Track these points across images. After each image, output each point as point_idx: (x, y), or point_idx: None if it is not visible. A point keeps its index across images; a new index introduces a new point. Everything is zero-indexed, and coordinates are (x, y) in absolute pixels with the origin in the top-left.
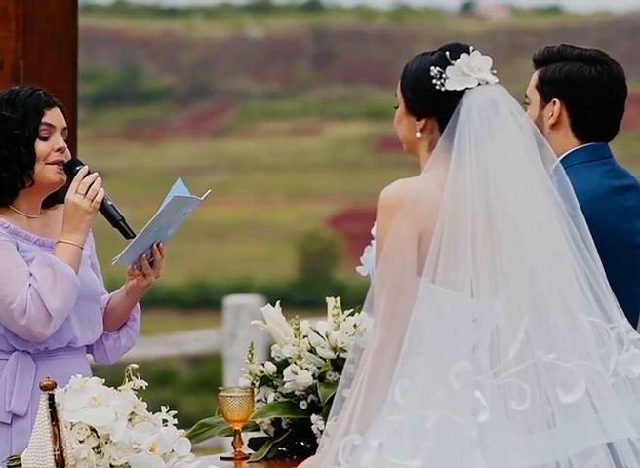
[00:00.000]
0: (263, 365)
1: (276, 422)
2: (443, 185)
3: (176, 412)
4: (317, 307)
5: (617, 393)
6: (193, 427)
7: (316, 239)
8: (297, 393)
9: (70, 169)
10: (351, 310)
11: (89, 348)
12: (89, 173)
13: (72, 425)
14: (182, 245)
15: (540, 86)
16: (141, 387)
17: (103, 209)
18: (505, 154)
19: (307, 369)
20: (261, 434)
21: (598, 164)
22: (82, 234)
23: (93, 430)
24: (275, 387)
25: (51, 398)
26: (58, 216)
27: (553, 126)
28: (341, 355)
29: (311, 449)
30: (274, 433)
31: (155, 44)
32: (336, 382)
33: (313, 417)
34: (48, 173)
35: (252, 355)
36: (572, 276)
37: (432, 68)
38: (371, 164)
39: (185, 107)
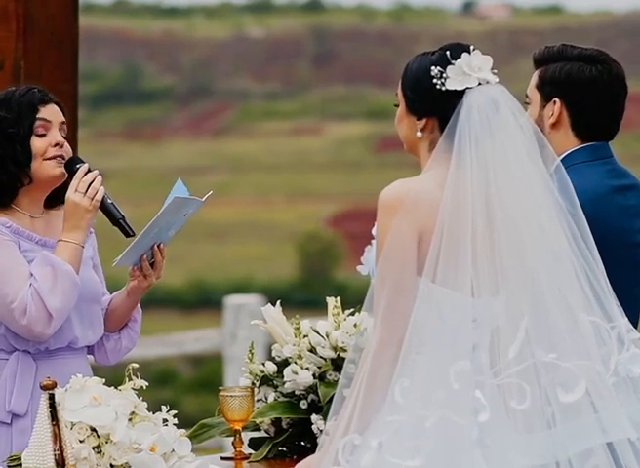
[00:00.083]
0: (264, 364)
1: (276, 422)
2: (443, 185)
3: (176, 412)
4: (317, 307)
5: (617, 393)
6: (194, 428)
7: (316, 239)
8: (297, 393)
9: (71, 167)
10: (352, 310)
11: (90, 349)
12: (89, 170)
13: (72, 425)
14: (182, 245)
15: (541, 86)
16: (142, 387)
17: (104, 207)
18: (506, 154)
19: (308, 368)
20: (262, 434)
21: (599, 163)
22: (82, 232)
23: (93, 430)
24: (275, 387)
25: (51, 397)
26: (60, 217)
27: (553, 125)
28: (342, 355)
29: (311, 449)
30: (274, 433)
31: (155, 44)
32: (336, 382)
33: (313, 417)
34: (46, 168)
35: (252, 355)
36: (572, 275)
37: (433, 68)
38: (371, 164)
39: (185, 107)
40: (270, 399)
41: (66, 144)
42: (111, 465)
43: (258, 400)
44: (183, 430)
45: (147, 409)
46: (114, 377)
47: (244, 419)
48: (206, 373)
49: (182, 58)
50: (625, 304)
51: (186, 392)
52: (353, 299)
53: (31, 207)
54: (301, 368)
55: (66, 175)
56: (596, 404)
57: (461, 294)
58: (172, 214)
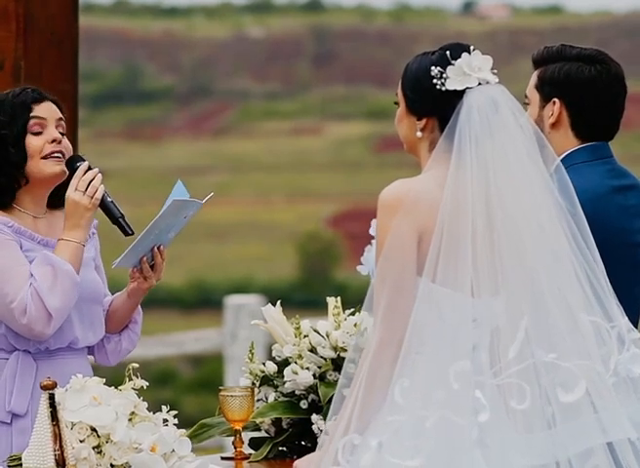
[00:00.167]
0: (264, 364)
1: (277, 422)
2: (443, 185)
3: (176, 412)
4: (317, 307)
5: (617, 393)
6: (194, 427)
7: (316, 239)
8: (297, 392)
9: (72, 165)
10: (352, 310)
11: (90, 349)
12: (90, 169)
13: (73, 425)
14: (182, 245)
15: (540, 86)
16: (142, 387)
17: (103, 205)
18: (506, 154)
19: (308, 368)
20: (262, 434)
21: (599, 163)
22: (83, 231)
23: (93, 430)
24: (276, 387)
25: (51, 397)
26: (63, 217)
27: (553, 126)
28: (342, 354)
29: (312, 449)
30: (275, 433)
31: (156, 44)
32: (336, 382)
33: (314, 417)
34: (45, 166)
35: (252, 355)
36: (572, 275)
37: (433, 68)
38: (371, 164)
39: (185, 107)
40: (270, 399)
41: (65, 140)
42: (111, 465)
43: (258, 400)
44: (183, 430)
45: (147, 409)
46: (114, 377)
47: (244, 419)
48: (206, 373)
49: (182, 58)
50: (625, 304)
51: (186, 392)
52: (353, 299)
53: (33, 206)
54: (302, 368)
55: (67, 173)
56: (596, 404)
57: (461, 294)
58: (171, 216)
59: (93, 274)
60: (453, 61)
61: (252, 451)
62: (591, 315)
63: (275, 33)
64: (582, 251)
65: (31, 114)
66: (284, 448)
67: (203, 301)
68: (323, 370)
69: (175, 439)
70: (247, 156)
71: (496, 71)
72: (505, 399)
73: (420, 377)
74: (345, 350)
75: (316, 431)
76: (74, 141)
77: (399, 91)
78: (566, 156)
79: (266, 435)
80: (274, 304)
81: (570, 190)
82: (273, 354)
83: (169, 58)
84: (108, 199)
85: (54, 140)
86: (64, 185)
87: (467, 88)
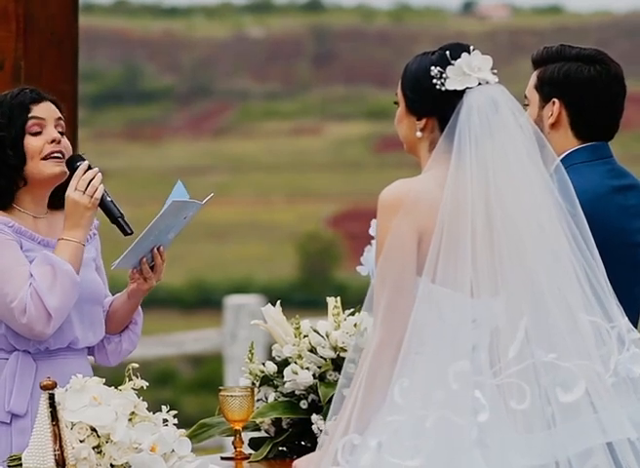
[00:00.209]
0: (264, 364)
1: (277, 422)
2: (443, 185)
3: (176, 412)
4: (317, 307)
5: (617, 393)
6: (193, 427)
7: (316, 239)
8: (297, 393)
9: (72, 165)
10: (352, 310)
11: (90, 350)
12: (90, 168)
13: (73, 425)
14: (182, 245)
15: (540, 86)
16: (142, 387)
17: (103, 205)
18: (506, 154)
19: (308, 368)
20: (262, 434)
21: (599, 163)
22: (83, 231)
23: (93, 430)
24: (276, 387)
25: (51, 397)
26: (64, 218)
27: (553, 126)
28: (342, 355)
29: (312, 449)
30: (275, 433)
31: (155, 44)
32: (336, 382)
33: (314, 417)
34: (45, 167)
35: (252, 355)
36: (572, 275)
37: (433, 68)
38: (371, 164)
39: (185, 107)
40: (270, 399)
41: (64, 140)
42: (111, 465)
43: (258, 400)
44: (183, 430)
45: (147, 409)
46: (114, 377)
47: (244, 419)
48: (206, 373)
49: (182, 58)
50: (625, 304)
51: (186, 392)
52: (353, 299)
53: (34, 206)
54: (301, 368)
55: (67, 174)
56: (596, 404)
57: (461, 295)
58: (170, 217)
59: (93, 275)
60: (452, 61)
61: (252, 451)
62: (591, 315)
63: (275, 33)
64: (582, 251)
65: (30, 115)
66: (284, 448)
67: (203, 301)
68: (323, 370)
69: (175, 439)
70: (247, 156)
71: (496, 71)
72: (505, 399)
73: (419, 377)
74: (345, 350)
75: (316, 431)
76: (74, 142)
77: (399, 91)
78: (566, 156)
79: (266, 435)
80: (274, 304)
81: (570, 190)
82: (273, 354)
83: (169, 58)
84: (108, 198)
85: (53, 140)
86: (65, 186)
87: (467, 88)
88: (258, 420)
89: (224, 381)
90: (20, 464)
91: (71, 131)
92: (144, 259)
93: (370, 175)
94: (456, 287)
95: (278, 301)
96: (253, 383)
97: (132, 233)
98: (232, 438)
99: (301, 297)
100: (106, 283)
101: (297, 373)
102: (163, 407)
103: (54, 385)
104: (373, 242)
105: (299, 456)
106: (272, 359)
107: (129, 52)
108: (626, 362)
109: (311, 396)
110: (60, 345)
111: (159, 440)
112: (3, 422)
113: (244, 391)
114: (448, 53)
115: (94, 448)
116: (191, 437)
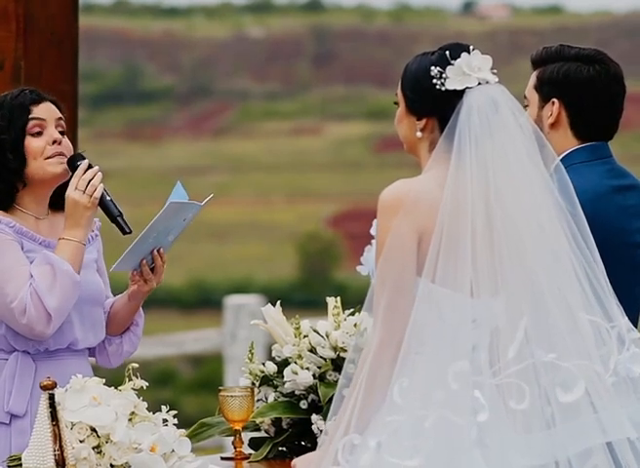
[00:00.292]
0: (264, 364)
1: (276, 422)
2: (443, 185)
3: (176, 412)
4: (317, 307)
5: (617, 392)
6: (193, 426)
7: (316, 239)
8: (297, 393)
9: (73, 164)
10: (352, 310)
11: (91, 351)
12: (90, 167)
13: (73, 425)
14: (182, 245)
15: (539, 86)
16: (142, 387)
17: (102, 204)
18: (505, 154)
19: (308, 368)
20: (262, 434)
21: (598, 163)
22: (83, 230)
23: (93, 430)
24: (275, 387)
25: (51, 398)
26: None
27: (552, 126)
28: (342, 355)
29: (312, 449)
30: (274, 433)
31: (155, 44)
32: (336, 382)
33: (314, 417)
34: (49, 167)
35: (252, 355)
36: (572, 275)
37: (432, 68)
38: (371, 164)
39: (185, 107)
40: (270, 399)
41: (65, 140)
42: (111, 465)
43: (258, 400)
44: (183, 430)
45: (147, 409)
46: (114, 377)
47: (244, 419)
48: (206, 373)
49: (182, 58)
50: (625, 304)
51: (186, 392)
52: (353, 299)
53: (35, 207)
54: (301, 368)
55: (70, 173)
56: (595, 404)
57: (461, 295)
58: (169, 218)
59: (94, 276)
60: (452, 61)
61: (252, 451)
62: (591, 315)
63: (275, 33)
64: (582, 251)
65: (30, 116)
66: (284, 449)
67: (203, 301)
68: (323, 370)
69: (174, 439)
70: (247, 156)
71: (495, 71)
72: (505, 399)
73: (419, 377)
74: (345, 350)
75: (316, 431)
76: (74, 142)
77: (399, 91)
78: (565, 156)
79: (266, 435)
80: (274, 304)
81: (570, 190)
82: (273, 354)
83: (169, 58)
84: (107, 197)
85: (54, 141)
86: (66, 187)
87: (467, 88)
88: (258, 420)
89: (224, 381)
90: (20, 464)
91: (71, 131)
92: (144, 261)
93: (370, 174)
94: (456, 287)
95: (278, 301)
96: (253, 383)
97: (130, 232)
98: (232, 438)
99: (301, 297)
100: (108, 284)
101: (297, 373)
102: (163, 407)
103: (54, 385)
104: (373, 242)
105: (298, 456)
106: (272, 359)
107: (129, 52)
108: (626, 362)
109: (311, 396)
110: (60, 346)
111: (159, 440)
112: (2, 423)
113: (244, 391)
114: (448, 53)
115: (94, 449)
116: (191, 436)
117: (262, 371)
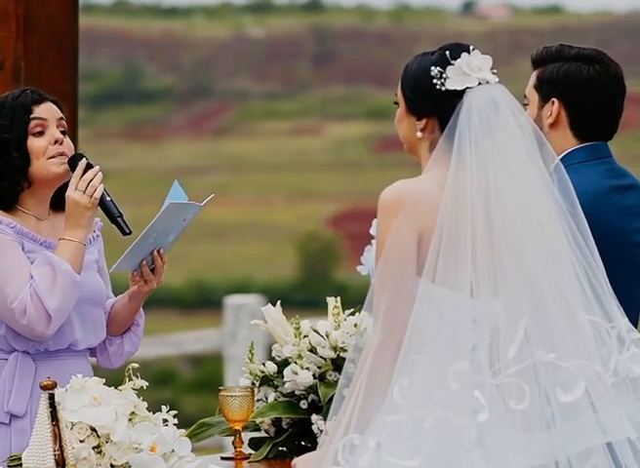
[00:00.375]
0: (264, 364)
1: (276, 422)
2: (443, 185)
3: (176, 412)
4: (317, 307)
5: (617, 392)
6: (193, 426)
7: (316, 239)
8: (297, 393)
9: (74, 164)
10: (352, 310)
11: (92, 352)
12: (91, 166)
13: (73, 425)
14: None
15: (539, 86)
16: (142, 387)
17: (102, 204)
18: (506, 154)
19: (308, 368)
20: (262, 434)
21: (598, 163)
22: (83, 230)
23: (93, 430)
24: (275, 387)
25: (51, 397)
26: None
27: (552, 125)
28: (342, 355)
29: (312, 449)
30: (274, 433)
31: (155, 44)
32: (336, 382)
33: (314, 417)
34: (51, 167)
35: (252, 355)
36: (572, 275)
37: (432, 68)
38: (371, 164)
39: (185, 107)
40: (270, 399)
41: (66, 140)
42: (111, 465)
43: (258, 400)
44: (183, 430)
45: (147, 409)
46: (114, 377)
47: (244, 419)
48: (206, 373)
49: (182, 58)
50: (625, 304)
51: (186, 392)
52: (353, 299)
53: (36, 207)
54: (301, 368)
55: (71, 173)
56: (595, 404)
57: (461, 295)
58: (168, 219)
59: (95, 277)
60: (452, 61)
61: (252, 451)
62: (591, 315)
63: (275, 33)
64: (582, 251)
65: (32, 116)
66: (284, 449)
67: (203, 301)
68: (323, 370)
69: (175, 439)
70: (247, 156)
71: (495, 71)
72: (505, 399)
73: (419, 377)
74: (345, 350)
75: (316, 431)
76: (74, 142)
77: (399, 91)
78: (565, 156)
79: (266, 435)
80: (274, 304)
81: (570, 190)
82: (273, 354)
83: (169, 57)
84: (107, 198)
85: (56, 141)
86: (67, 187)
87: (467, 88)
88: (258, 420)
89: (224, 381)
90: (20, 464)
91: (71, 131)
92: (145, 262)
93: (370, 174)
94: (456, 287)
95: (278, 301)
96: (253, 383)
97: (130, 233)
98: (232, 438)
99: (301, 297)
100: (109, 285)
101: (297, 373)
102: (163, 407)
103: (54, 385)
104: (373, 242)
105: (298, 456)
106: (272, 359)
107: (129, 52)
108: (626, 362)
109: (311, 396)
110: (60, 346)
111: (159, 440)
112: (2, 423)
113: (244, 391)
114: (448, 53)
115: (94, 449)
116: (191, 436)
117: (262, 371)
